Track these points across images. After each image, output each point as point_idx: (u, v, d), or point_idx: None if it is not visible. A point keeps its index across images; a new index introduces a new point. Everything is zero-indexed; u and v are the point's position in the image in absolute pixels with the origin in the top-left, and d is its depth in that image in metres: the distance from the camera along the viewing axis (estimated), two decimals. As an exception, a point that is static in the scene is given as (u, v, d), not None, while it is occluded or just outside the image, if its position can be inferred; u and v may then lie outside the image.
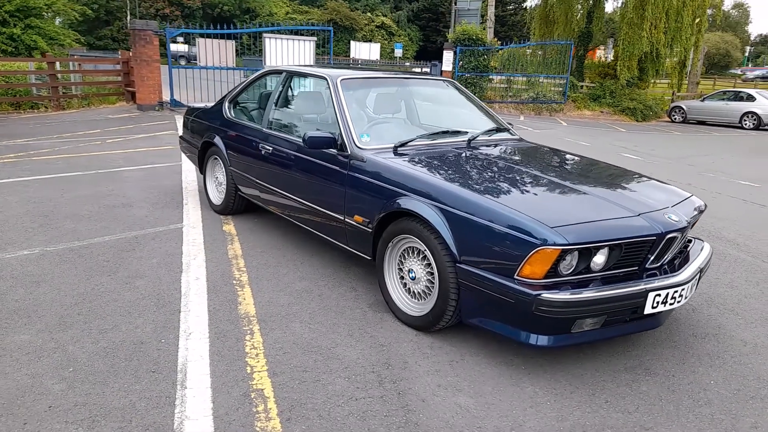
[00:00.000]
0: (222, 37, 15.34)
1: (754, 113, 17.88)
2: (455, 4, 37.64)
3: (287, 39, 13.48)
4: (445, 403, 2.33)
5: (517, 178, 3.05)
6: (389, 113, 4.06)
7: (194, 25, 32.25)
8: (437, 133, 3.63)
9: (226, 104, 4.72)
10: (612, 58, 22.19)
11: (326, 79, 3.73)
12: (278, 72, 4.37)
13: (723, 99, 19.10)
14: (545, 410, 2.31)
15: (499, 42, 19.44)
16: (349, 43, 48.49)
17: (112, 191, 5.56)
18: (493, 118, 4.17)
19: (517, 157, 3.50)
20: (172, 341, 2.73)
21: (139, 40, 12.18)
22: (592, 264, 2.45)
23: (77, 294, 3.21)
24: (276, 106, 4.14)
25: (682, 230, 2.65)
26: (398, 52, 51.07)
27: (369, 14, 60.03)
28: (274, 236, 4.35)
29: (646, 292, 2.47)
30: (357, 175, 3.20)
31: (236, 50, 13.61)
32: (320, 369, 2.54)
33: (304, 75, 4.11)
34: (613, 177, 3.26)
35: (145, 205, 5.10)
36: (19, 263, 3.62)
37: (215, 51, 13.02)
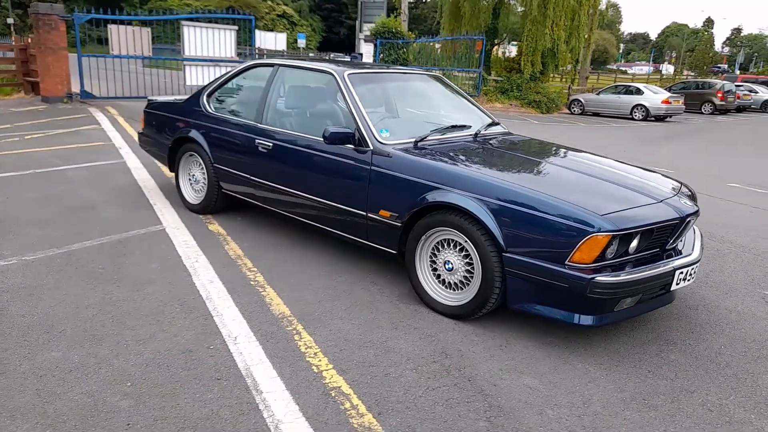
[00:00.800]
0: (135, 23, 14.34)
1: (643, 105, 19.69)
2: (361, -5, 37.81)
3: (207, 28, 12.91)
4: (514, 385, 2.47)
5: (546, 170, 3.26)
6: (388, 107, 4.11)
7: (80, 9, 29.74)
8: (447, 128, 3.74)
9: (204, 98, 4.52)
10: (515, 54, 23.35)
11: (333, 74, 3.71)
12: (267, 65, 4.27)
13: (616, 92, 20.85)
14: (603, 384, 2.53)
15: (413, 35, 19.87)
16: (250, 32, 47.23)
17: (64, 193, 5.12)
18: (483, 112, 4.35)
19: (533, 150, 3.72)
20: (220, 347, 2.64)
21: (43, 25, 11.12)
22: (629, 247, 2.69)
23: (90, 305, 2.98)
24: (271, 101, 4.04)
25: (696, 213, 2.98)
26: (301, 43, 50.34)
27: (270, 2, 58.52)
28: (268, 234, 4.26)
29: (674, 270, 2.76)
30: (383, 170, 3.23)
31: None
32: (384, 363, 2.58)
33: (301, 69, 4.05)
34: (620, 168, 3.51)
35: (109, 206, 4.76)
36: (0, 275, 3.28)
37: (129, 39, 12.17)
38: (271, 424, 2.11)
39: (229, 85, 4.53)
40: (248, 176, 4.07)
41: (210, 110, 4.44)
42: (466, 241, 2.92)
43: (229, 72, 4.52)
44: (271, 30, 50.67)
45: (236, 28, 13.37)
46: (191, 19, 13.13)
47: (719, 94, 24.09)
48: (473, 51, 20.88)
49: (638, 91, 20.25)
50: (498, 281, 2.81)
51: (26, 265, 3.47)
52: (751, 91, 27.76)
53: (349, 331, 2.87)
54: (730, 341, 3.01)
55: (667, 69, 64.39)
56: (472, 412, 2.26)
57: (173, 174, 4.94)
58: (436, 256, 3.12)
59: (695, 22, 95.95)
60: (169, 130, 4.78)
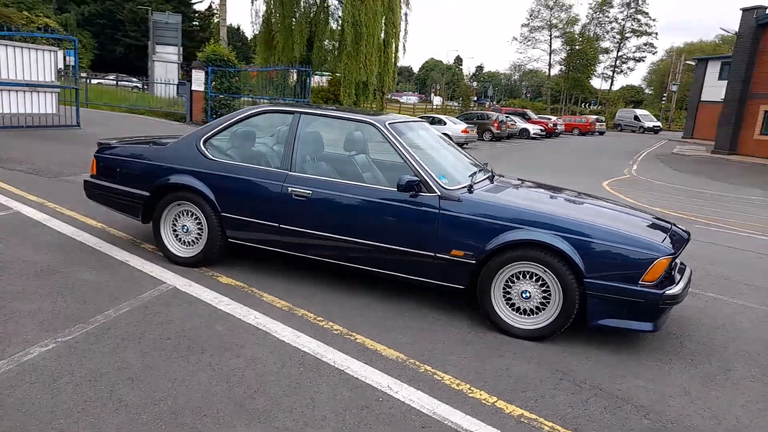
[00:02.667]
0: None
1: (447, 134, 22.30)
2: (152, 14, 35.51)
3: (22, 47, 11.16)
4: (632, 386, 3.05)
5: (590, 206, 3.97)
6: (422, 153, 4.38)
7: None
8: (476, 172, 4.20)
9: (201, 144, 4.24)
10: (327, 84, 24.54)
11: (374, 125, 3.93)
12: (282, 112, 4.23)
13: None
14: (676, 371, 3.25)
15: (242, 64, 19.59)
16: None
17: (-6, 256, 4.23)
18: (461, 151, 4.87)
19: (557, 189, 4.43)
20: (385, 398, 2.72)
21: None
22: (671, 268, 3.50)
23: (197, 384, 2.72)
24: (300, 148, 4.04)
25: (688, 240, 3.93)
26: (69, 60, 45.03)
27: (26, 13, 51.10)
28: (290, 281, 4.17)
29: (687, 285, 3.65)
30: (453, 213, 3.57)
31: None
32: (530, 387, 2.95)
33: (331, 117, 4.13)
34: (622, 205, 4.39)
35: (71, 269, 4.09)
36: (54, 364, 2.77)
37: None
38: (516, 455, 2.35)
39: (231, 131, 4.33)
40: (274, 224, 3.98)
41: (213, 156, 4.20)
42: (545, 272, 3.44)
43: (230, 117, 4.32)
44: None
45: (57, 49, 11.79)
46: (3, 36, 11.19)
47: (495, 124, 28.38)
48: (287, 81, 21.49)
49: (441, 122, 22.89)
50: (577, 304, 3.37)
51: (70, 347, 2.94)
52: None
53: (469, 364, 3.14)
54: (713, 336, 4.04)
55: (435, 99, 72.95)
56: (627, 413, 2.77)
57: (143, 224, 4.48)
58: (510, 287, 3.56)
59: (448, 59, 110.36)
60: (145, 177, 4.33)
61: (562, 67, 62.05)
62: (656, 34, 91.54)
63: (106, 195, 4.56)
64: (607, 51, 63.35)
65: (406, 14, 26.04)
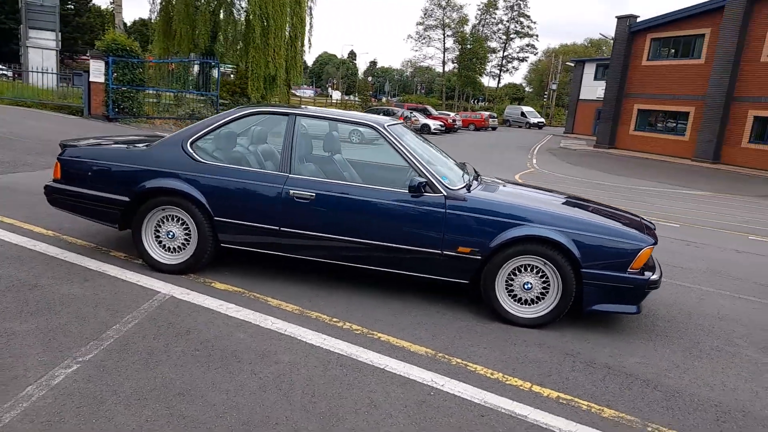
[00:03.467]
0: None
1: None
2: (23, -4, 32.21)
3: None
4: (628, 363, 3.42)
5: (574, 203, 4.31)
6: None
7: None
8: (465, 172, 4.40)
9: (188, 145, 4.06)
10: (234, 77, 23.69)
11: (375, 127, 4.00)
12: (274, 113, 4.16)
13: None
14: (687, 351, 3.69)
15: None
16: None
17: (-53, 271, 3.77)
18: (446, 154, 5.08)
19: (544, 188, 4.73)
20: (434, 391, 2.85)
21: None
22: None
23: (250, 393, 2.69)
24: (296, 150, 4.00)
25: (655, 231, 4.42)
26: None
27: None
28: (291, 283, 4.12)
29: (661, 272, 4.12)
30: (459, 212, 3.76)
31: None
32: (554, 372, 3.21)
33: (330, 120, 4.13)
34: (595, 201, 4.80)
35: (48, 282, 3.76)
36: (90, 386, 2.59)
37: None
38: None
39: (221, 132, 4.18)
40: (274, 227, 3.93)
41: (203, 159, 4.03)
42: (545, 264, 3.73)
43: (217, 118, 4.17)
44: None
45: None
46: None
47: (401, 119, 29.06)
48: (188, 73, 20.60)
49: (392, 113, 23.07)
50: (574, 292, 3.71)
51: (101, 367, 2.76)
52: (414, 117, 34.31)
53: (490, 354, 3.35)
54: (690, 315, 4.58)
55: (333, 94, 72.88)
56: (641, 388, 3.12)
57: (119, 230, 4.21)
58: (512, 279, 3.81)
59: (343, 53, 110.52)
60: (124, 182, 4.07)
61: (456, 65, 64.58)
62: (537, 36, 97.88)
63: (75, 201, 4.21)
64: (494, 51, 66.93)
65: (310, 8, 25.84)
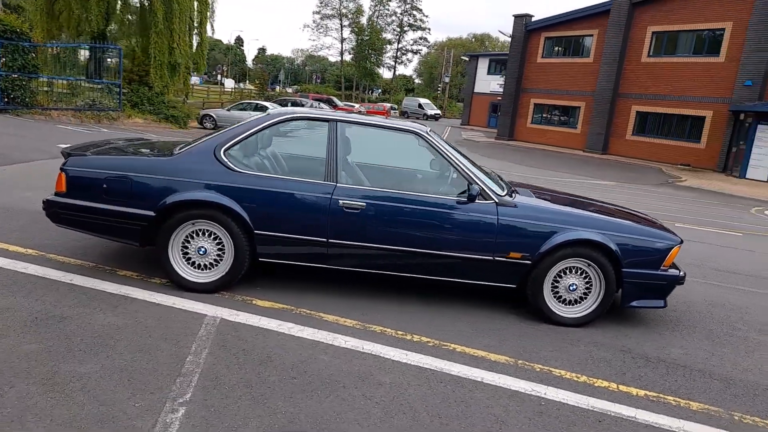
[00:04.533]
0: None
1: (272, 121, 21.85)
2: None
3: None
4: (676, 354, 3.72)
5: (603, 207, 4.51)
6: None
7: None
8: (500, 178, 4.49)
9: (222, 154, 3.75)
10: (131, 64, 21.93)
11: (417, 133, 3.95)
12: (314, 119, 3.95)
13: (245, 109, 22.38)
14: (709, 339, 4.05)
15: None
16: None
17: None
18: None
19: (569, 192, 4.87)
20: (543, 401, 2.92)
21: None
22: (667, 255, 4.27)
23: (380, 420, 2.61)
24: (341, 158, 3.84)
25: None
26: None
27: None
28: (327, 294, 3.96)
29: (674, 264, 4.49)
30: (511, 218, 3.83)
31: None
32: (627, 370, 3.41)
33: (372, 126, 3.99)
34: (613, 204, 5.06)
35: (75, 312, 3.32)
36: (209, 427, 2.36)
37: None
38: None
39: (256, 139, 3.88)
40: (322, 239, 3.76)
41: (240, 169, 3.74)
42: (589, 265, 3.93)
43: (251, 125, 3.87)
44: None
45: None
46: None
47: (310, 111, 28.62)
48: (77, 58, 18.87)
49: (264, 108, 22.31)
50: (615, 291, 3.95)
51: (212, 408, 2.50)
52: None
53: (560, 356, 3.48)
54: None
55: (226, 82, 69.85)
56: (701, 379, 3.42)
57: (141, 247, 3.80)
58: (558, 282, 3.97)
59: (230, 39, 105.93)
60: (147, 195, 3.67)
61: (353, 55, 64.61)
62: (429, 29, 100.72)
63: (86, 217, 3.72)
64: (390, 42, 67.83)
65: (214, -9, 24.50)
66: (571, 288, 3.97)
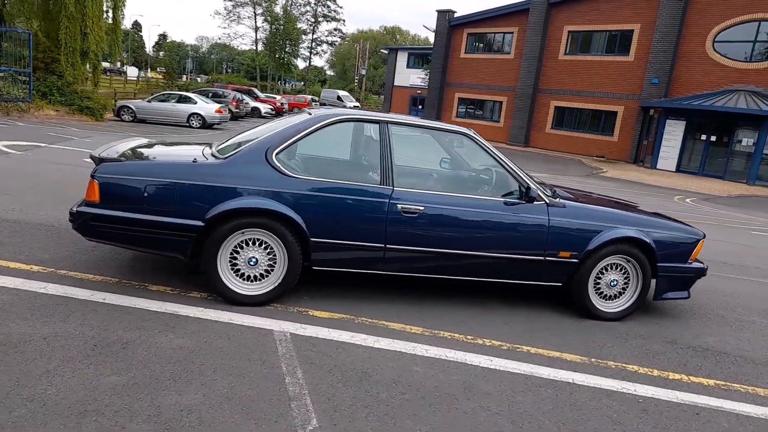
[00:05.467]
0: None
1: (199, 114, 20.81)
2: None
3: None
4: (704, 341, 3.98)
5: (628, 204, 4.67)
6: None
7: None
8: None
9: (273, 157, 3.50)
10: (35, 49, 19.98)
11: (468, 135, 3.92)
12: (364, 121, 3.79)
13: (169, 101, 21.12)
14: (728, 326, 4.34)
15: None
16: None
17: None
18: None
19: (599, 192, 4.99)
20: (640, 399, 3.02)
21: None
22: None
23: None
24: (394, 161, 3.71)
25: None
26: None
27: None
28: (381, 300, 3.84)
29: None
30: (561, 218, 3.91)
31: None
32: (686, 360, 3.59)
33: (424, 128, 3.89)
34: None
35: (133, 335, 2.99)
36: None
37: None
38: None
39: (306, 142, 3.65)
40: (379, 245, 3.64)
41: (293, 173, 3.51)
42: (628, 261, 4.10)
43: (301, 126, 3.63)
44: None
45: None
46: None
47: (234, 103, 27.60)
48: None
49: (192, 100, 21.21)
50: (649, 285, 4.15)
51: (343, 433, 2.34)
52: (240, 99, 32.71)
53: (617, 350, 3.61)
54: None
55: (129, 70, 65.45)
56: (741, 363, 3.68)
57: (185, 261, 3.48)
58: (599, 278, 4.10)
59: (127, 23, 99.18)
60: (193, 203, 3.36)
61: (266, 45, 62.83)
62: (344, 20, 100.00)
63: (125, 230, 3.34)
64: (305, 33, 66.68)
65: (126, -26, 22.83)
66: (612, 284, 4.12)
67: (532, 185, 3.88)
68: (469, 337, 3.52)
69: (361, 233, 3.62)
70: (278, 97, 37.26)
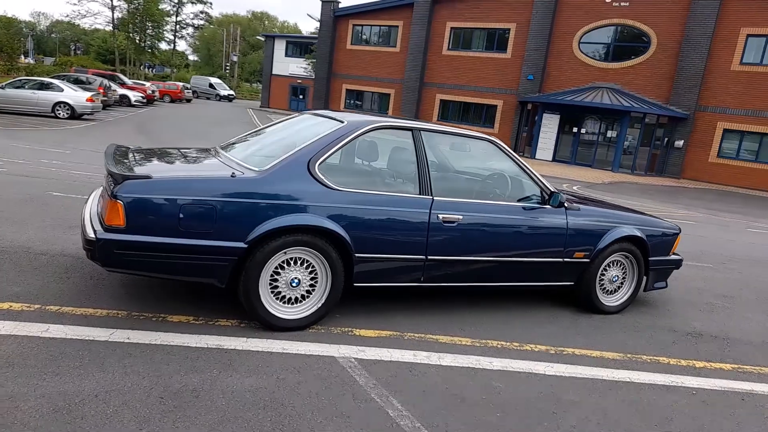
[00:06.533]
0: None
1: (67, 103, 18.56)
2: None
3: None
4: (715, 325, 4.40)
5: (617, 205, 4.93)
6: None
7: None
8: None
9: (315, 169, 3.21)
10: None
11: (490, 141, 3.93)
12: (397, 128, 3.61)
13: (27, 87, 18.57)
14: (713, 311, 4.80)
15: None
16: None
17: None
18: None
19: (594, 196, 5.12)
20: (697, 391, 3.26)
21: None
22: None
23: None
24: (429, 170, 3.59)
25: None
26: None
27: None
28: (413, 313, 3.72)
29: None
30: (576, 220, 4.07)
31: None
32: (698, 346, 3.93)
33: (452, 135, 3.79)
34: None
35: (198, 378, 2.60)
36: None
37: None
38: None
39: (345, 151, 3.39)
40: (421, 256, 3.52)
41: (336, 186, 3.25)
42: (626, 257, 4.39)
43: (338, 135, 3.35)
44: None
45: None
46: None
47: (101, 90, 25.04)
48: None
49: (56, 87, 18.85)
50: (642, 279, 4.49)
51: None
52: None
53: (639, 344, 3.85)
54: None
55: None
56: (740, 346, 4.11)
57: (221, 287, 3.08)
58: (603, 275, 4.35)
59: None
60: (235, 223, 2.98)
61: (125, 25, 57.52)
62: (211, 3, 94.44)
63: (154, 257, 2.86)
64: (168, 14, 62.13)
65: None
66: (613, 279, 4.38)
67: (554, 190, 3.98)
68: (515, 344, 3.54)
69: (405, 245, 3.47)
70: (148, 84, 34.39)
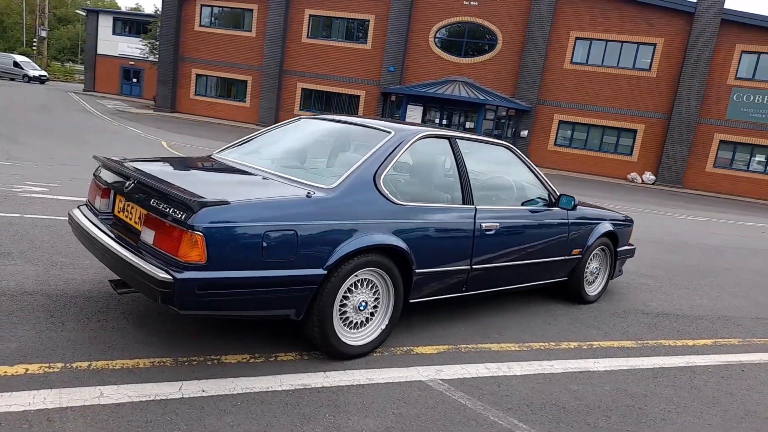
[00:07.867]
0: None
1: None
2: None
3: None
4: (675, 302, 4.98)
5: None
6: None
7: None
8: None
9: (381, 183, 2.99)
10: None
11: (508, 147, 4.02)
12: (435, 137, 3.50)
13: None
14: (674, 289, 5.40)
15: None
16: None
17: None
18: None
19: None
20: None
21: None
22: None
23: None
24: (468, 178, 3.56)
25: None
26: None
27: None
28: (449, 324, 3.67)
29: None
30: (575, 220, 4.34)
31: None
32: (689, 329, 4.44)
33: (479, 142, 3.78)
34: None
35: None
36: None
37: None
38: None
39: (399, 162, 3.18)
40: (466, 266, 3.48)
41: (400, 200, 3.06)
42: (602, 250, 4.79)
43: (389, 145, 3.13)
44: None
45: None
46: None
47: None
48: None
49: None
50: (614, 267, 4.96)
51: None
52: None
53: (648, 331, 4.26)
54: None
55: None
56: (699, 322, 4.74)
57: (296, 319, 2.75)
58: (587, 269, 4.69)
59: None
60: (315, 248, 2.67)
61: None
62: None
63: (236, 295, 2.44)
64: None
65: None
66: (594, 271, 4.76)
67: (560, 194, 4.19)
68: (552, 343, 3.68)
69: (455, 256, 3.41)
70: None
